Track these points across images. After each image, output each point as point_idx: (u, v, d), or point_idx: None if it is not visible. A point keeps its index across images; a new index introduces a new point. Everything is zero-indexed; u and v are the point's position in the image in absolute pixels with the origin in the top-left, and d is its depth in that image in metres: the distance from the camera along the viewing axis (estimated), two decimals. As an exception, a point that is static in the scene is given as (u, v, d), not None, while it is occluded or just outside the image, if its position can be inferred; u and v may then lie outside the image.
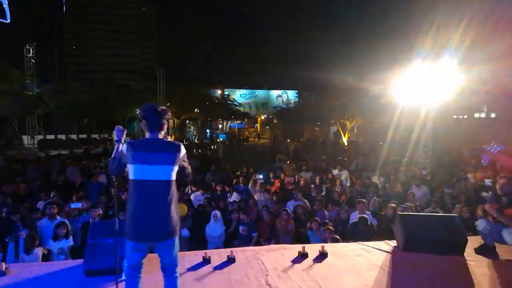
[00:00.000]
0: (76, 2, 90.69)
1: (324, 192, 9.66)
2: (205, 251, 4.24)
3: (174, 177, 2.62)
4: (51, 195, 7.57)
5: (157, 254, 2.68)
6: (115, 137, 2.83)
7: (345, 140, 32.34)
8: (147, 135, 2.69)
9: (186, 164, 2.73)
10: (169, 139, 2.82)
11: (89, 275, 3.74)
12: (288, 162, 15.01)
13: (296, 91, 58.72)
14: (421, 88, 11.41)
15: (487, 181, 3.60)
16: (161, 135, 2.70)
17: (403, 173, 11.59)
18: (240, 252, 4.32)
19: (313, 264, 4.11)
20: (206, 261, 4.04)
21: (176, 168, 2.63)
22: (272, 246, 4.76)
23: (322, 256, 4.29)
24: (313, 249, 4.41)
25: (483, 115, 20.79)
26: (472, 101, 15.45)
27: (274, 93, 60.02)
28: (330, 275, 3.85)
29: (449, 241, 4.37)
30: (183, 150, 2.69)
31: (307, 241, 6.41)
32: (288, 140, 34.92)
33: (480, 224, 4.49)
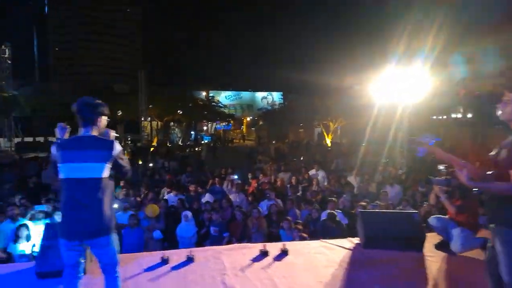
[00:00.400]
0: (59, 3, 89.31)
1: (300, 192, 9.69)
2: (164, 251, 4.20)
3: (106, 174, 2.56)
4: (19, 198, 7.40)
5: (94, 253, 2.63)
6: (57, 135, 2.77)
7: (328, 141, 32.59)
8: (80, 131, 2.64)
9: (122, 161, 2.67)
10: (112, 134, 2.75)
11: (41, 277, 3.66)
12: (270, 163, 15.07)
13: (281, 92, 58.92)
14: (396, 89, 11.62)
15: (441, 167, 3.59)
16: (94, 131, 2.64)
17: (380, 173, 11.73)
18: (200, 252, 4.29)
19: (272, 262, 4.11)
20: (164, 261, 4.00)
21: (108, 166, 2.57)
22: (234, 245, 4.74)
23: (283, 254, 4.29)
24: (275, 248, 4.41)
25: (459, 115, 21.26)
26: (445, 102, 15.80)
27: (259, 94, 60.12)
28: (287, 272, 3.85)
29: (408, 237, 4.42)
30: (117, 147, 2.63)
31: (278, 240, 6.41)
32: (274, 142, 35.01)
33: (431, 221, 4.56)
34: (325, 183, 10.96)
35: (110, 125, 2.86)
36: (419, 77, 10.98)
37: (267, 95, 59.55)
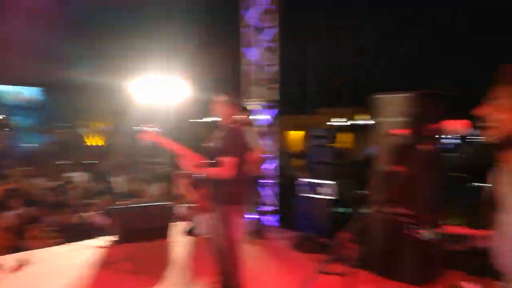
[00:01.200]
0: None
1: (60, 197, 8.91)
2: None
3: None
4: None
5: None
6: None
7: (94, 142, 30.87)
8: None
9: None
10: None
11: None
12: (18, 167, 13.01)
13: (41, 88, 51.33)
14: (159, 92, 12.33)
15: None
16: None
17: (145, 172, 12.10)
18: None
19: (7, 275, 3.62)
20: None
21: None
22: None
23: (22, 264, 3.85)
24: (11, 259, 3.90)
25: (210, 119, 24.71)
26: (200, 108, 18.05)
27: (8, 88, 50.40)
28: (26, 282, 3.50)
29: (157, 228, 4.79)
30: None
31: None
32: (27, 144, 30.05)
33: (180, 210, 5.16)
34: (88, 185, 10.45)
35: None
36: (178, 84, 12.07)
37: (20, 90, 50.61)
